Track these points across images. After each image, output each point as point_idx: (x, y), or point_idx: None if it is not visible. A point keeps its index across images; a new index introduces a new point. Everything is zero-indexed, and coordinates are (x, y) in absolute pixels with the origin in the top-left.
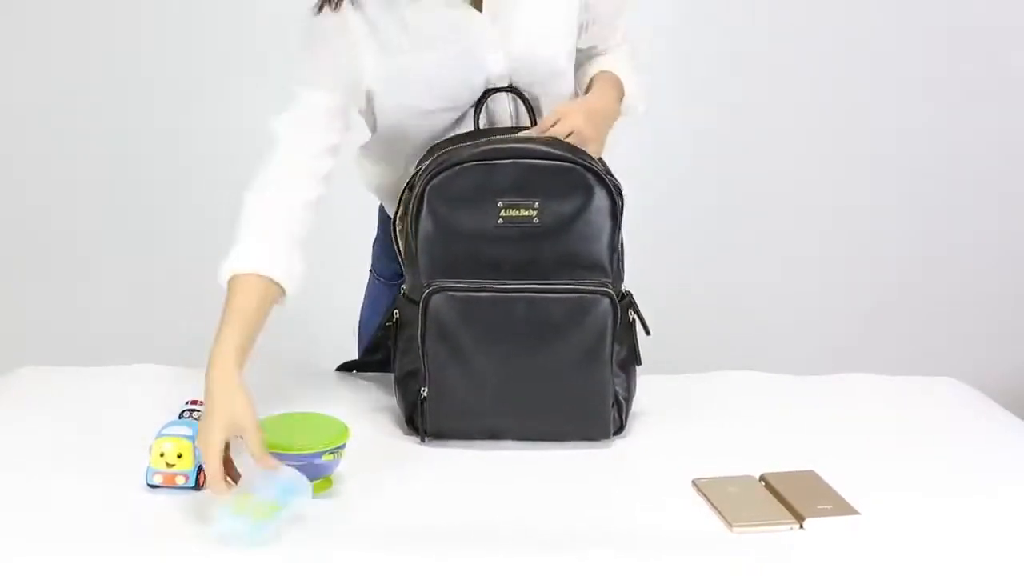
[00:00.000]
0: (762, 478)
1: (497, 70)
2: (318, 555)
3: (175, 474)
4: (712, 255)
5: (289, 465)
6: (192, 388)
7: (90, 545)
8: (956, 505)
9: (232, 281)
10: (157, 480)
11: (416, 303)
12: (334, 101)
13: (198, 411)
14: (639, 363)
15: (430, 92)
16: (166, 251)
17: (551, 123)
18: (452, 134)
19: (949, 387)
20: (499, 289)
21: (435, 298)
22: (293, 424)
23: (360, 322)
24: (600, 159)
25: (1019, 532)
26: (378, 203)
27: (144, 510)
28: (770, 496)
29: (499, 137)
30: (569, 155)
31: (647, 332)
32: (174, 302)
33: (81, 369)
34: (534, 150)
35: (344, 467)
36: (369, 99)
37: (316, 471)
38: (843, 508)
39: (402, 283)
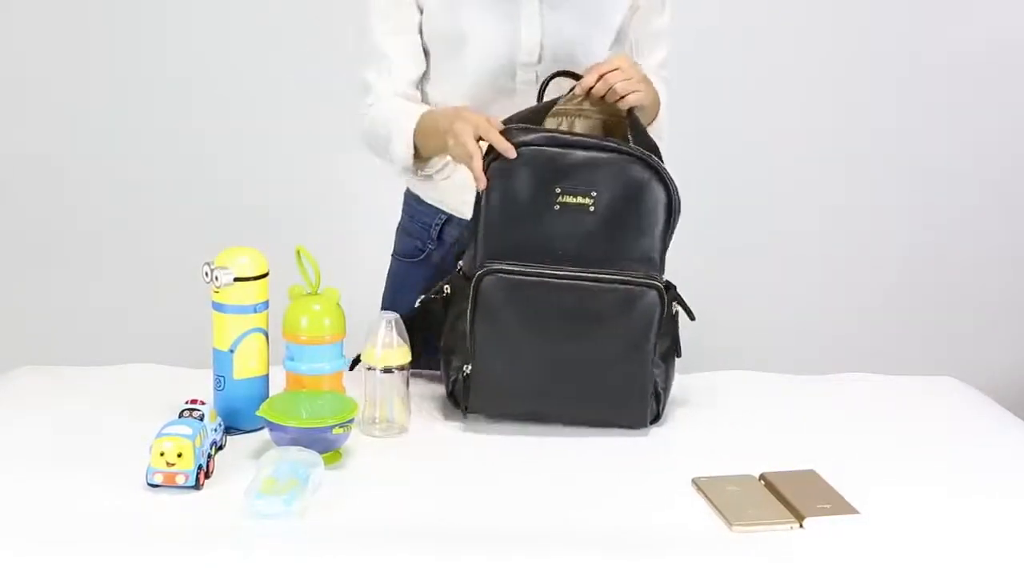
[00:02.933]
0: (762, 477)
1: (527, 33)
2: (319, 547)
3: (175, 473)
4: (711, 255)
5: (300, 436)
6: (192, 388)
7: (90, 545)
8: (956, 504)
9: (418, 127)
10: (157, 480)
11: (470, 280)
12: (409, 24)
13: (198, 410)
14: (679, 355)
15: (463, 27)
16: (166, 251)
17: (610, 68)
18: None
19: (949, 387)
20: (549, 275)
21: (487, 279)
22: (303, 399)
23: (383, 307)
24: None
25: (1019, 532)
26: (403, 190)
27: (144, 510)
28: (770, 496)
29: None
30: (629, 148)
31: (691, 318)
32: (174, 302)
33: (81, 369)
34: (596, 142)
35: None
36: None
37: (326, 444)
38: (843, 507)
39: (419, 262)
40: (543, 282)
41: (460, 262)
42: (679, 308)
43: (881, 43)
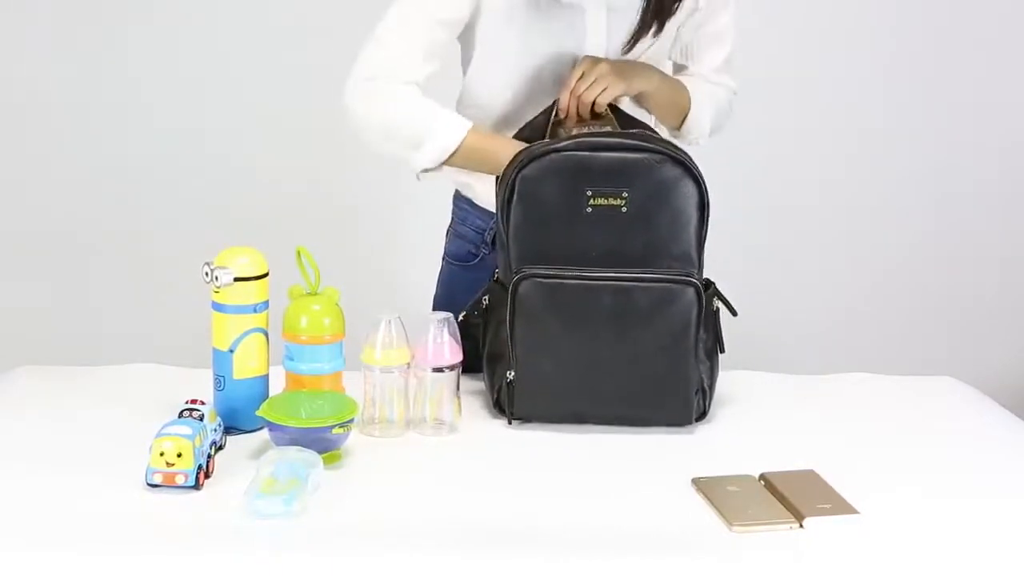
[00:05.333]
0: (762, 477)
1: (591, 42)
2: (319, 547)
3: (175, 473)
4: (711, 255)
5: (300, 436)
6: (192, 388)
7: (90, 545)
8: (956, 505)
9: (465, 142)
10: (157, 480)
11: (506, 288)
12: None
13: (198, 410)
14: (723, 351)
15: (528, 40)
16: (166, 251)
17: (575, 79)
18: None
19: (949, 387)
20: (586, 276)
21: (523, 284)
22: (303, 399)
23: (434, 308)
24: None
25: (1019, 532)
26: (451, 192)
27: (144, 510)
28: (770, 496)
29: (587, 130)
30: (659, 147)
31: (734, 314)
32: (174, 302)
33: (81, 369)
34: (625, 143)
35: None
36: (474, 16)
37: (326, 444)
38: (843, 507)
39: (473, 266)
40: (580, 284)
41: (496, 271)
42: (720, 304)
43: (881, 44)
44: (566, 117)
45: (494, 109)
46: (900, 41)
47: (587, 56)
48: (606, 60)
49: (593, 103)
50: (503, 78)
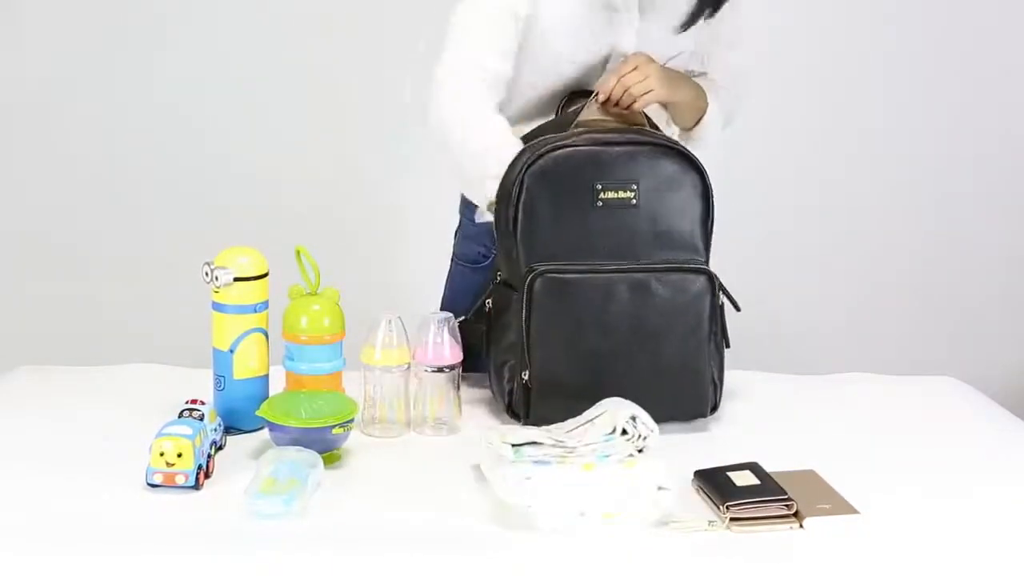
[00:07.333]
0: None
1: (625, 46)
2: (319, 547)
3: (175, 473)
4: (712, 255)
5: (300, 436)
6: (192, 388)
7: (90, 545)
8: (956, 505)
9: None
10: (157, 480)
11: (514, 289)
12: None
13: (198, 410)
14: (728, 346)
15: (565, 47)
16: (166, 251)
17: (628, 68)
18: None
19: (949, 387)
20: (601, 270)
21: (539, 281)
22: (303, 399)
23: (442, 309)
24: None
25: (1019, 532)
26: (456, 193)
27: (144, 510)
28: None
29: (593, 126)
30: (661, 139)
31: (737, 308)
32: (174, 302)
33: (81, 369)
34: (632, 137)
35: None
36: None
37: (326, 444)
38: (843, 508)
39: (483, 268)
40: (594, 278)
41: (499, 273)
42: (725, 299)
43: (881, 42)
44: (599, 102)
45: (513, 104)
46: (900, 41)
47: (640, 53)
48: (656, 63)
49: (632, 104)
50: (534, 73)
